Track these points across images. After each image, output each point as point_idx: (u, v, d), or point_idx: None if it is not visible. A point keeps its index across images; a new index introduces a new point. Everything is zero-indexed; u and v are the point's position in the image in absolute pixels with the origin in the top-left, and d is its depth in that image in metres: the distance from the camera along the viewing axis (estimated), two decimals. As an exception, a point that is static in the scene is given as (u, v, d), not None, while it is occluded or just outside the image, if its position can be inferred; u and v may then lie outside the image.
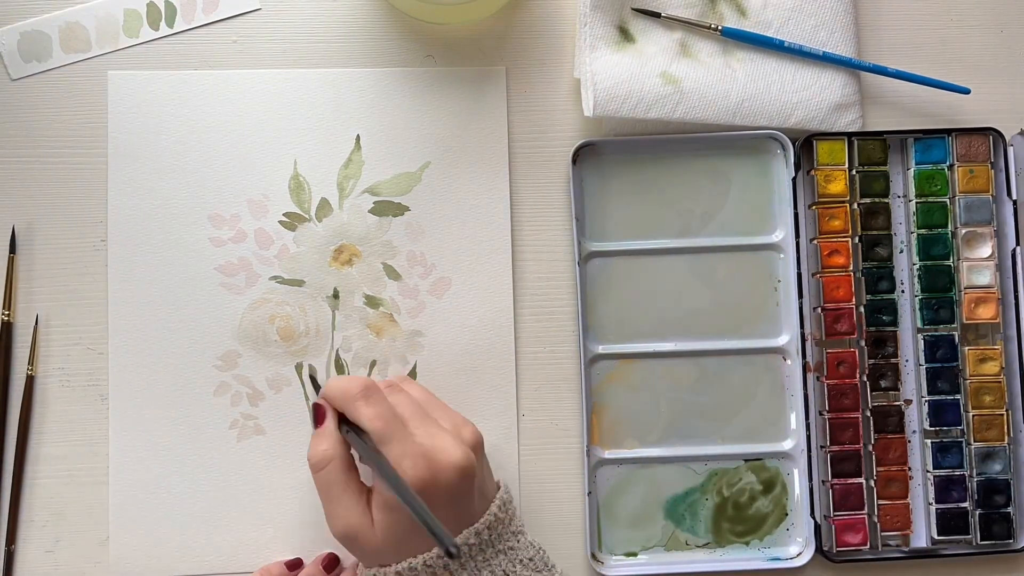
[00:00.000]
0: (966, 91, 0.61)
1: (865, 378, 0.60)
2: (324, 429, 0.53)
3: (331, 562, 0.58)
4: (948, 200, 0.61)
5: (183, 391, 0.59)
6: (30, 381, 0.59)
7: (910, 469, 0.60)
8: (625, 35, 0.61)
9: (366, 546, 0.51)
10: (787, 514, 0.60)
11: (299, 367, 0.59)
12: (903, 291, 0.61)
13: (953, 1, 0.63)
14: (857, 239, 0.60)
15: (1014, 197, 0.61)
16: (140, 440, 0.59)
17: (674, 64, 0.60)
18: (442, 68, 0.61)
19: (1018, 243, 0.60)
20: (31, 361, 0.59)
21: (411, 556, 0.51)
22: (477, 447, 0.53)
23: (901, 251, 0.61)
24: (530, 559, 0.53)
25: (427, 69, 0.61)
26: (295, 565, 0.58)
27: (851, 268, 0.60)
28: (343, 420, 0.53)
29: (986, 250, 0.60)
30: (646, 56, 0.60)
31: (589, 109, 0.59)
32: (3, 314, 0.59)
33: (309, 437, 0.60)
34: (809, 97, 0.60)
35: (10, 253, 0.59)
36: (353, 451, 0.53)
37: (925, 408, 0.60)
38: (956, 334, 0.60)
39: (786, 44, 0.60)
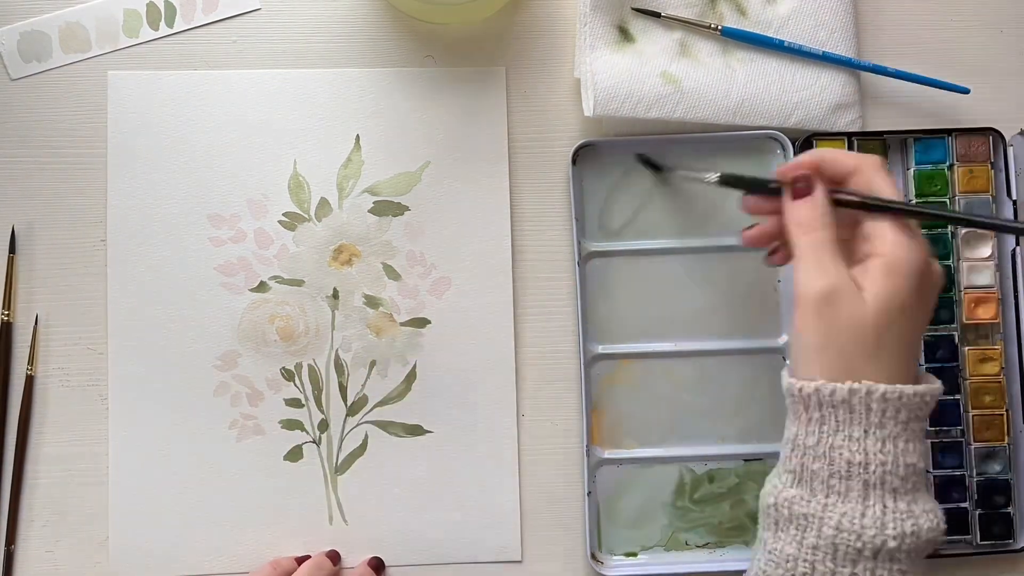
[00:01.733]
0: (965, 91, 0.61)
1: (865, 378, 0.60)
2: (819, 197, 0.48)
3: (379, 564, 0.58)
4: (948, 200, 0.61)
5: (183, 391, 0.59)
6: (30, 381, 0.59)
7: (910, 469, 0.60)
8: (625, 35, 0.61)
9: (845, 311, 0.45)
10: (787, 514, 0.60)
11: (290, 371, 0.59)
12: (903, 291, 0.61)
13: (953, 2, 0.63)
14: (857, 239, 0.60)
15: (1014, 197, 0.61)
16: (140, 440, 0.59)
17: (674, 64, 0.60)
18: (442, 68, 0.61)
19: (1018, 243, 0.60)
20: (31, 361, 0.59)
21: (890, 357, 0.46)
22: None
23: (901, 251, 0.61)
24: (925, 452, 0.49)
25: (427, 69, 0.61)
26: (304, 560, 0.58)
27: (851, 268, 0.60)
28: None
29: (986, 250, 0.60)
30: (646, 56, 0.60)
31: (589, 109, 0.59)
32: (3, 314, 0.59)
33: (309, 437, 0.60)
34: (809, 97, 0.60)
35: (10, 253, 0.59)
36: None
37: (925, 408, 0.60)
38: (956, 334, 0.60)
39: (785, 44, 0.60)
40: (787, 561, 0.46)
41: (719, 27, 0.60)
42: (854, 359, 0.46)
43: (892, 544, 0.44)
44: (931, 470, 0.60)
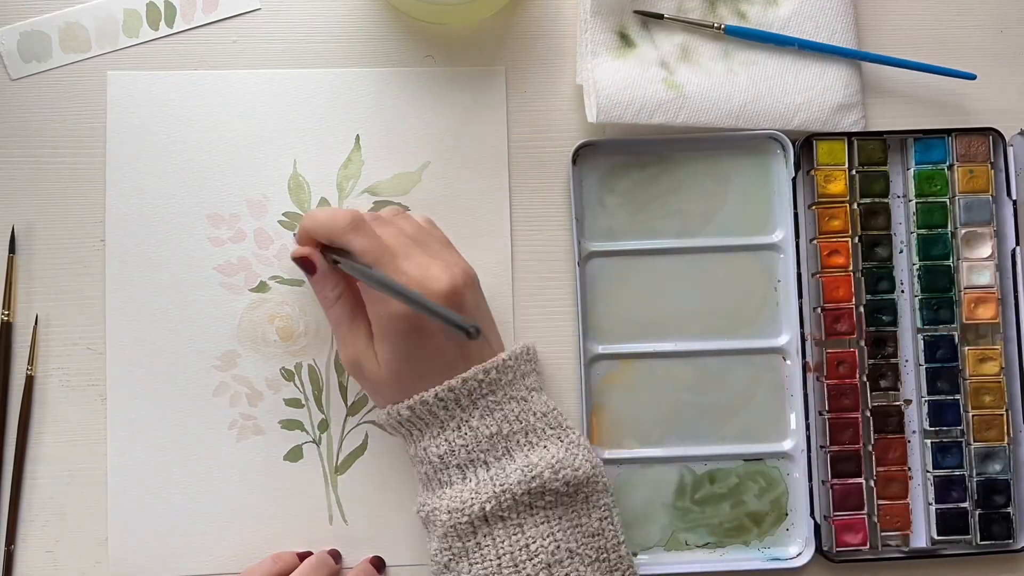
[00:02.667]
0: (971, 76, 0.61)
1: (865, 378, 0.60)
2: (320, 272, 0.54)
3: (380, 563, 0.59)
4: (948, 200, 0.61)
5: (182, 391, 0.59)
6: (30, 381, 0.59)
7: (910, 469, 0.60)
8: (626, 41, 0.61)
9: (371, 377, 0.53)
10: (787, 514, 0.60)
11: (289, 371, 0.59)
12: (903, 291, 0.61)
13: (953, 2, 0.63)
14: (857, 239, 0.60)
15: (1014, 197, 0.61)
16: (139, 440, 0.59)
17: (676, 69, 0.60)
18: (442, 68, 0.61)
19: (1018, 243, 0.60)
20: (31, 361, 0.59)
21: (415, 390, 0.52)
22: (468, 283, 0.54)
23: (901, 251, 0.61)
24: (544, 413, 0.54)
25: (427, 69, 0.61)
26: (306, 557, 0.58)
27: (851, 268, 0.60)
28: (327, 251, 0.54)
29: (986, 250, 0.60)
30: (648, 62, 0.60)
31: (592, 116, 0.59)
32: (3, 314, 0.59)
33: (309, 437, 0.60)
34: (811, 98, 0.60)
35: (10, 253, 0.59)
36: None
37: (925, 408, 0.60)
38: (956, 334, 0.60)
39: (787, 37, 0.60)
40: (435, 555, 0.53)
41: (722, 26, 0.60)
42: (399, 394, 0.53)
43: (490, 506, 0.51)
44: (931, 470, 0.60)
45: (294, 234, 0.59)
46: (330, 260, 0.54)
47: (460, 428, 0.53)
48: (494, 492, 0.51)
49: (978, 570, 0.60)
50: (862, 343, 0.60)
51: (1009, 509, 0.59)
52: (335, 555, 0.58)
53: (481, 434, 0.52)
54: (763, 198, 0.61)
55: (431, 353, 0.52)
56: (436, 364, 0.52)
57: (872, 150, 0.60)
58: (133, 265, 0.59)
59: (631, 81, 0.59)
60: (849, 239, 0.60)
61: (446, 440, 0.53)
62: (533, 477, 0.51)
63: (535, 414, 0.53)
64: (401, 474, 0.59)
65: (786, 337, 0.60)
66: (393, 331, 0.51)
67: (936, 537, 0.59)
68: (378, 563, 0.58)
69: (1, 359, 0.59)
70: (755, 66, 0.61)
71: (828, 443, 0.59)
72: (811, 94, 0.60)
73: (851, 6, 0.62)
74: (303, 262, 0.54)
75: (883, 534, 0.59)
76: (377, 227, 0.53)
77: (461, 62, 0.61)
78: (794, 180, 0.60)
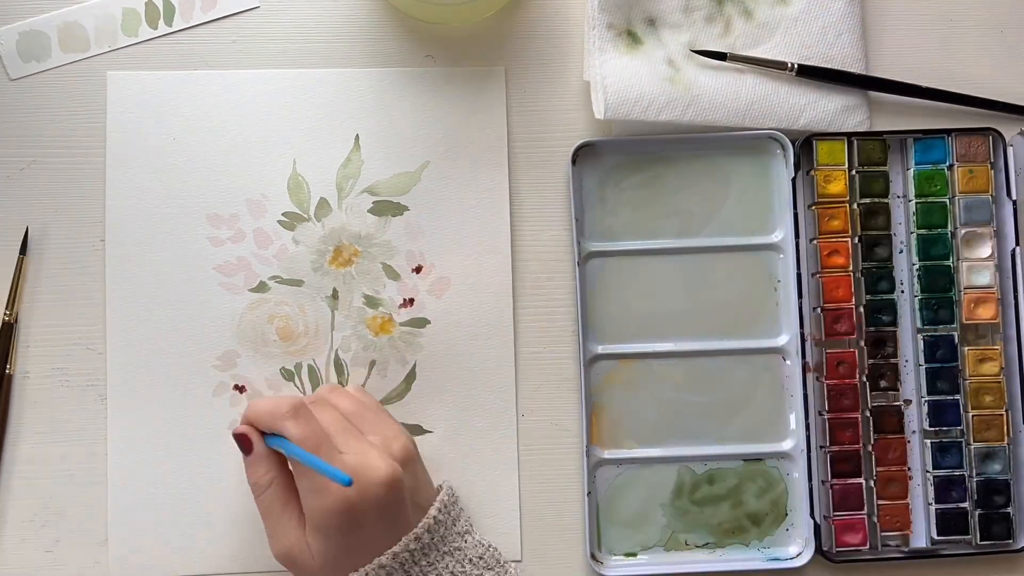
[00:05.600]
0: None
1: (865, 378, 0.60)
2: (256, 453, 0.53)
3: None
4: (948, 200, 0.61)
5: (182, 391, 0.59)
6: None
7: (910, 469, 0.60)
8: (633, 38, 0.60)
9: (305, 569, 0.52)
10: (787, 514, 0.60)
11: (289, 371, 0.59)
12: (903, 291, 0.61)
13: (953, 1, 0.63)
14: (857, 239, 0.60)
15: (1014, 197, 0.61)
16: (139, 440, 0.59)
17: (683, 67, 0.60)
18: (442, 68, 0.61)
19: (1018, 243, 0.60)
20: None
21: (354, 565, 0.51)
22: (407, 459, 0.53)
23: (901, 251, 0.61)
24: (480, 557, 0.54)
25: (427, 69, 0.61)
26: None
27: (851, 268, 0.60)
28: (266, 436, 0.53)
29: (986, 250, 0.60)
30: (655, 59, 0.60)
31: (600, 112, 0.59)
32: (5, 314, 0.59)
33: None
34: (817, 99, 0.60)
35: (21, 255, 0.59)
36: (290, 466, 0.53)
37: (925, 408, 0.60)
38: (956, 334, 0.60)
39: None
40: None
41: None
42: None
43: None
44: (931, 470, 0.60)
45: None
46: (268, 442, 0.53)
47: None
48: None
49: (978, 570, 0.60)
50: (862, 343, 0.60)
51: (1009, 509, 0.59)
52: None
53: None
54: (763, 198, 0.61)
55: (368, 541, 0.51)
56: (373, 550, 0.51)
57: (872, 150, 0.60)
58: (133, 265, 0.59)
59: (639, 78, 0.59)
60: (849, 239, 0.60)
61: None
62: None
63: (471, 561, 0.53)
64: (401, 474, 0.59)
65: (786, 337, 0.60)
66: (328, 525, 0.50)
67: (936, 537, 0.59)
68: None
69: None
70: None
71: (828, 443, 0.60)
72: (817, 94, 0.60)
73: (858, 6, 0.62)
74: (241, 439, 0.53)
75: (883, 534, 0.59)
76: (316, 411, 0.53)
77: (461, 62, 0.61)
78: (794, 180, 0.60)
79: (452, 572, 0.52)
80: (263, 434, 0.53)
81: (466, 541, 0.54)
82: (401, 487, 0.51)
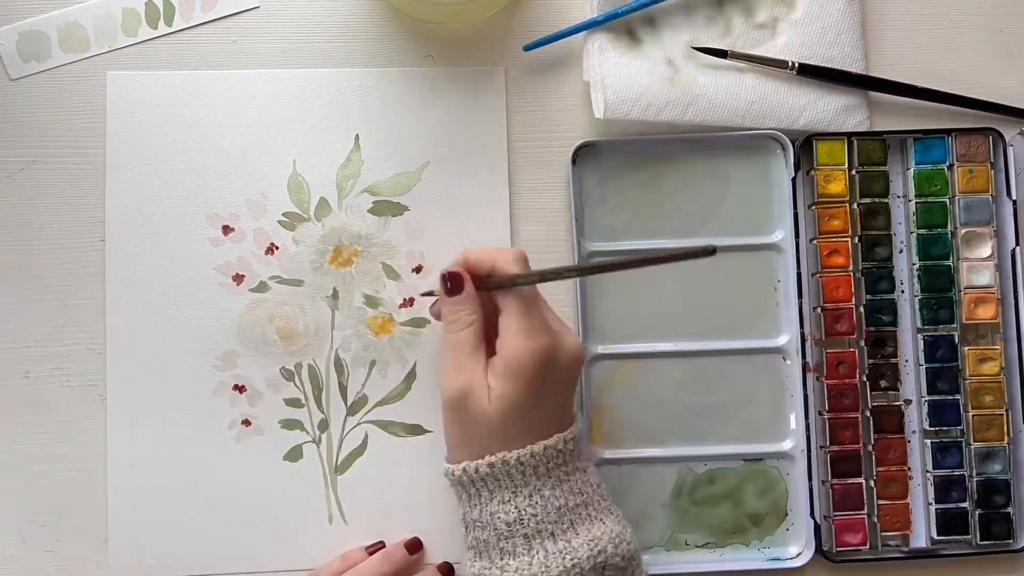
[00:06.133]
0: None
1: (865, 378, 0.60)
2: (467, 292, 0.53)
3: (415, 544, 0.58)
4: (948, 200, 0.61)
5: (182, 391, 0.59)
6: None
7: (910, 469, 0.60)
8: (633, 38, 0.61)
9: (476, 413, 0.51)
10: (787, 514, 0.60)
11: (289, 371, 0.59)
12: (903, 291, 0.61)
13: (953, 2, 0.63)
14: (857, 239, 0.60)
15: (1014, 197, 0.61)
16: (139, 440, 0.59)
17: (683, 67, 0.60)
18: (442, 68, 0.61)
19: (1018, 243, 0.60)
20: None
21: (518, 440, 0.51)
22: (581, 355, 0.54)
23: (901, 251, 0.61)
24: (598, 484, 0.53)
25: (427, 69, 0.61)
26: (376, 550, 0.58)
27: (851, 268, 0.60)
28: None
29: (986, 250, 0.60)
30: (655, 59, 0.60)
31: (600, 112, 0.59)
32: (2, 314, 0.59)
33: (309, 436, 0.60)
34: (817, 99, 0.60)
35: None
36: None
37: (925, 408, 0.60)
38: (956, 334, 0.60)
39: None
40: None
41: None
42: (490, 444, 0.51)
43: None
44: (931, 470, 0.60)
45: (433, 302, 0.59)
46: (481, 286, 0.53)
47: (532, 496, 0.51)
48: (564, 567, 0.50)
49: (978, 570, 0.60)
50: (862, 343, 0.60)
51: (1009, 509, 0.59)
52: (414, 544, 0.58)
53: (551, 505, 0.51)
54: (763, 198, 0.61)
55: (543, 404, 0.51)
56: (542, 418, 0.51)
57: (872, 150, 0.60)
58: (132, 265, 0.59)
59: (639, 78, 0.59)
60: (849, 239, 0.60)
61: (516, 507, 0.51)
62: (599, 551, 0.50)
63: (592, 485, 0.53)
64: (401, 474, 0.59)
65: (786, 337, 0.60)
66: (523, 367, 0.50)
67: (936, 537, 0.59)
68: (446, 570, 0.58)
69: None
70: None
71: (828, 443, 0.60)
72: (817, 94, 0.60)
73: (859, 6, 0.62)
74: (452, 278, 0.53)
75: (883, 534, 0.59)
76: None
77: (461, 62, 0.61)
78: (794, 180, 0.60)
79: (580, 489, 0.52)
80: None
81: (589, 467, 0.54)
82: (580, 371, 0.53)
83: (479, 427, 0.51)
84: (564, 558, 0.50)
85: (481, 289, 0.53)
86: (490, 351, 0.52)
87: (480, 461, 0.51)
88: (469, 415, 0.51)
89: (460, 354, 0.52)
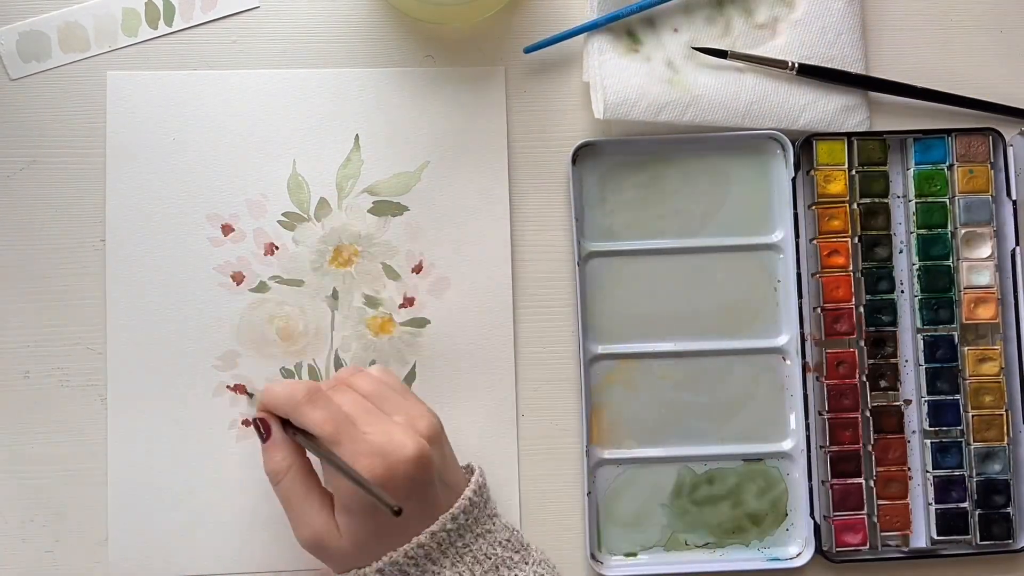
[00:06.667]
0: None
1: (865, 378, 0.60)
2: (273, 439, 0.52)
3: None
4: (948, 200, 0.61)
5: (182, 391, 0.59)
6: None
7: (910, 469, 0.60)
8: (633, 39, 0.61)
9: (335, 552, 0.51)
10: (787, 514, 0.60)
11: (289, 371, 0.59)
12: (903, 291, 0.61)
13: (953, 1, 0.63)
14: (857, 239, 0.60)
15: (1014, 197, 0.61)
16: (139, 440, 0.59)
17: (682, 68, 0.60)
18: (441, 68, 0.61)
19: (1018, 243, 0.60)
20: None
21: (381, 553, 0.50)
22: (434, 437, 0.52)
23: (901, 251, 0.61)
24: (507, 540, 0.53)
25: (426, 69, 0.61)
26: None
27: (851, 268, 0.60)
28: (288, 425, 0.52)
29: (986, 250, 0.60)
30: (655, 60, 0.60)
31: (599, 112, 0.59)
32: (2, 314, 0.59)
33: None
34: (817, 99, 0.60)
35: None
36: (310, 454, 0.53)
37: (925, 408, 0.60)
38: (956, 334, 0.60)
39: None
40: None
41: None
42: (369, 557, 0.50)
43: None
44: (931, 470, 0.60)
45: (249, 401, 0.59)
46: (288, 431, 0.53)
47: None
48: None
49: (978, 570, 0.60)
50: (862, 343, 0.60)
51: (1009, 509, 0.59)
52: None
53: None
54: (763, 198, 0.61)
55: (410, 507, 0.50)
56: (403, 530, 0.50)
57: (872, 150, 0.60)
58: (133, 265, 0.59)
59: (638, 79, 0.59)
60: (849, 239, 0.60)
61: None
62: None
63: (500, 544, 0.52)
64: (401, 474, 0.59)
65: (786, 337, 0.60)
66: (358, 504, 0.49)
67: (936, 537, 0.59)
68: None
69: None
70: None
71: (828, 443, 0.60)
72: (816, 94, 0.60)
73: (859, 6, 0.62)
74: (260, 424, 0.52)
75: (883, 534, 0.59)
76: (335, 395, 0.52)
77: (461, 62, 0.61)
78: (794, 180, 0.60)
79: (485, 555, 0.52)
80: (281, 420, 0.53)
81: (495, 524, 0.53)
82: (430, 464, 0.50)
83: (347, 558, 0.51)
84: None
85: (289, 432, 0.52)
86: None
87: (368, 568, 0.50)
88: (332, 555, 0.51)
89: (293, 504, 0.52)
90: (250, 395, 0.59)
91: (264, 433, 0.52)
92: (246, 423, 0.59)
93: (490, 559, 0.52)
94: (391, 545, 0.50)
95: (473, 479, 0.54)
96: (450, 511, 0.51)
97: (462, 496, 0.52)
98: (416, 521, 0.50)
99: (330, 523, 0.51)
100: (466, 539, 0.52)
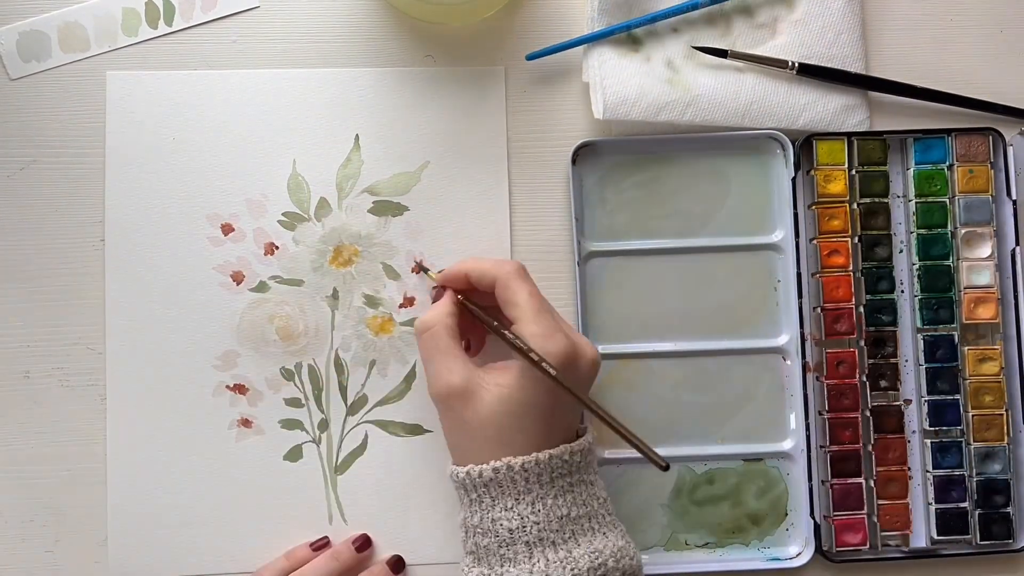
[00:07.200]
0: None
1: (865, 378, 0.60)
2: (440, 303, 0.54)
3: (363, 542, 0.58)
4: (948, 200, 0.61)
5: (182, 391, 0.59)
6: None
7: (910, 469, 0.60)
8: (633, 39, 0.61)
9: (474, 405, 0.51)
10: (787, 514, 0.60)
11: (289, 371, 0.59)
12: (903, 291, 0.61)
13: (953, 1, 0.63)
14: (857, 239, 0.60)
15: (1014, 197, 0.61)
16: (139, 440, 0.59)
17: (682, 68, 0.60)
18: (441, 68, 0.61)
19: (1018, 243, 0.60)
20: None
21: (512, 443, 0.50)
22: (596, 361, 0.54)
23: (901, 251, 0.61)
24: (604, 499, 0.53)
25: (426, 69, 0.61)
26: (321, 546, 0.58)
27: (851, 268, 0.60)
28: (467, 301, 0.54)
29: (986, 250, 0.60)
30: (654, 60, 0.60)
31: (599, 112, 0.59)
32: (2, 314, 0.59)
33: (309, 436, 0.60)
34: (817, 98, 0.60)
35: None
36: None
37: (925, 408, 0.60)
38: (956, 334, 0.60)
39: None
40: None
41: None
42: (492, 446, 0.51)
43: None
44: (931, 470, 0.60)
45: (424, 276, 0.60)
46: (468, 305, 0.55)
47: (535, 504, 0.50)
48: None
49: (978, 570, 0.60)
50: (862, 343, 0.60)
51: (1009, 509, 0.59)
52: (362, 541, 0.58)
53: (554, 514, 0.50)
54: (763, 198, 0.61)
55: (560, 407, 0.51)
56: (557, 422, 0.51)
57: (872, 150, 0.60)
58: (133, 265, 0.59)
59: (638, 79, 0.59)
60: (849, 239, 0.60)
61: (519, 515, 0.50)
62: (600, 564, 0.50)
63: (598, 499, 0.52)
64: (400, 474, 0.59)
65: (786, 337, 0.60)
66: (534, 380, 0.50)
67: (936, 537, 0.59)
68: (396, 562, 0.58)
69: None
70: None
71: (828, 443, 0.60)
72: (816, 94, 0.60)
73: (859, 6, 0.62)
74: (438, 289, 0.55)
75: (883, 534, 0.59)
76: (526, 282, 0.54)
77: (461, 62, 0.61)
78: (794, 180, 0.60)
79: (584, 501, 0.52)
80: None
81: (597, 481, 0.53)
82: (594, 376, 0.53)
83: (475, 428, 0.51)
84: (564, 568, 0.49)
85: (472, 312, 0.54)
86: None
87: (485, 466, 0.50)
88: (462, 415, 0.51)
89: (437, 351, 0.52)
90: (426, 270, 0.59)
91: (437, 296, 0.54)
92: (246, 423, 0.59)
93: (587, 507, 0.52)
94: (528, 431, 0.50)
95: (588, 429, 0.54)
96: (570, 445, 0.51)
97: (583, 437, 0.53)
98: (558, 424, 0.51)
99: (475, 377, 0.51)
100: (573, 478, 0.52)
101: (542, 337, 0.50)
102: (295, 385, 0.60)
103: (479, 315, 0.54)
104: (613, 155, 0.61)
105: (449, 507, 0.59)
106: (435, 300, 0.55)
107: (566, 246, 0.61)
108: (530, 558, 0.50)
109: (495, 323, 0.53)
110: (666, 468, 0.47)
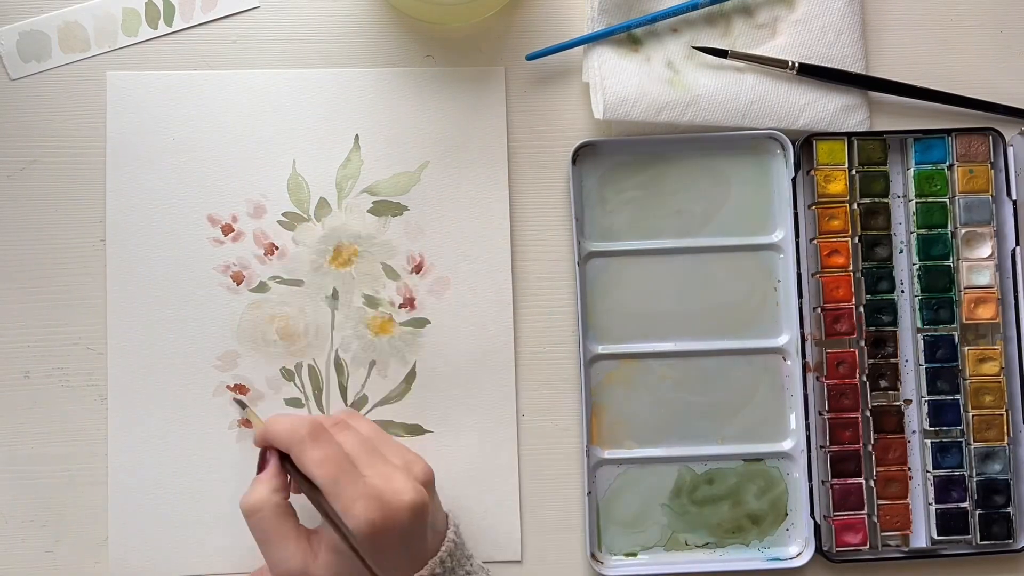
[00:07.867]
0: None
1: (865, 378, 0.60)
2: (264, 475, 0.52)
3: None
4: (948, 200, 0.61)
5: (182, 391, 0.59)
6: None
7: (910, 469, 0.60)
8: (632, 39, 0.61)
9: (322, 573, 0.50)
10: (787, 514, 0.60)
11: (289, 371, 0.59)
12: (903, 291, 0.61)
13: (953, 1, 0.63)
14: (857, 239, 0.60)
15: (1014, 197, 0.61)
16: (139, 440, 0.59)
17: (682, 68, 0.60)
18: (441, 68, 0.61)
19: (1018, 243, 0.60)
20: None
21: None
22: (428, 483, 0.52)
23: (901, 251, 0.61)
24: (487, 572, 0.54)
25: (426, 69, 0.61)
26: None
27: (851, 268, 0.60)
28: (287, 460, 0.52)
29: (986, 250, 0.60)
30: (654, 60, 0.60)
31: (599, 112, 0.59)
32: (2, 314, 0.59)
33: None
34: (817, 98, 0.60)
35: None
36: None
37: (925, 408, 0.60)
38: (956, 334, 0.60)
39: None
40: None
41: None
42: None
43: None
44: (931, 470, 0.60)
45: (241, 413, 0.59)
46: (286, 468, 0.53)
47: None
48: None
49: (978, 570, 0.60)
50: (862, 343, 0.60)
51: (1009, 509, 0.59)
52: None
53: None
54: (763, 198, 0.61)
55: (386, 565, 0.50)
56: (392, 571, 0.50)
57: (872, 150, 0.60)
58: (133, 265, 0.59)
59: (638, 79, 0.59)
60: (849, 239, 0.60)
61: None
62: None
63: None
64: (401, 474, 0.59)
65: (786, 337, 0.60)
66: (349, 550, 0.49)
67: (936, 537, 0.59)
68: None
69: None
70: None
71: (828, 443, 0.60)
72: (816, 94, 0.60)
73: (859, 6, 0.62)
74: (261, 456, 0.53)
75: (883, 534, 0.59)
76: (337, 433, 0.52)
77: (461, 62, 0.61)
78: (794, 180, 0.60)
79: None
80: (281, 456, 0.53)
81: (472, 564, 0.53)
82: (425, 511, 0.50)
83: None
84: None
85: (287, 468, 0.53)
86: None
87: None
88: None
89: (269, 536, 0.51)
90: (242, 405, 0.59)
91: (261, 466, 0.53)
92: (246, 423, 0.59)
93: None
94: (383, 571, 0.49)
95: (451, 522, 0.54)
96: (438, 555, 0.51)
97: (446, 539, 0.52)
98: (405, 567, 0.50)
99: (308, 557, 0.51)
100: None
101: (342, 511, 0.49)
102: (295, 385, 0.60)
103: (301, 484, 0.52)
104: (613, 155, 0.61)
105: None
106: (260, 465, 0.53)
107: (566, 246, 0.61)
108: None
109: (313, 492, 0.51)
110: None
